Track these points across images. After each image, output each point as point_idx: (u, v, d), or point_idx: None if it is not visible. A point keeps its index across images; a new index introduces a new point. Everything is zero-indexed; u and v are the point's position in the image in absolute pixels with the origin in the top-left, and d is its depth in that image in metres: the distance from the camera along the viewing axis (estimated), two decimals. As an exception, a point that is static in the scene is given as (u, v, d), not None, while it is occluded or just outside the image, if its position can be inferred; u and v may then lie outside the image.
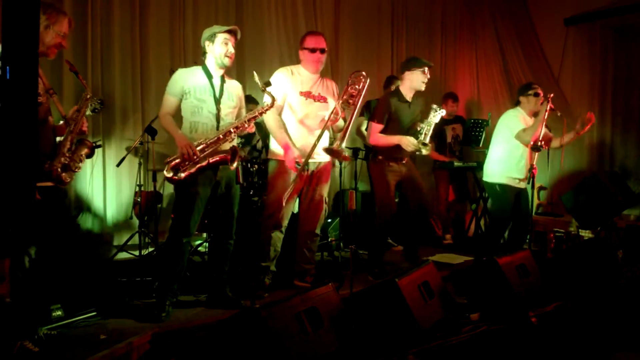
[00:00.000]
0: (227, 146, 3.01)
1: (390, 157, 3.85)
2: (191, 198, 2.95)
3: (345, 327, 2.40)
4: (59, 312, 2.74)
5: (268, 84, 3.04)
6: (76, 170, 2.50)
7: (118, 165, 4.19)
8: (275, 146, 3.41)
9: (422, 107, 3.96)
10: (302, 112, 3.39)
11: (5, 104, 1.35)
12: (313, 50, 3.39)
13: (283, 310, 2.16)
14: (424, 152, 3.72)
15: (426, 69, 3.77)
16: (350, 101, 3.35)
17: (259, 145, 4.53)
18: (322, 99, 3.46)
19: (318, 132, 3.36)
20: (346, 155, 3.39)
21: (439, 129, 5.03)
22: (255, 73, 3.02)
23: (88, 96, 2.61)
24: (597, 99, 6.47)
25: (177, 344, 2.64)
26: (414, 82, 3.79)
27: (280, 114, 3.38)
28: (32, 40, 1.39)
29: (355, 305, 2.70)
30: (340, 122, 3.43)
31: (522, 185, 4.20)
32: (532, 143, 3.97)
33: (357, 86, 3.36)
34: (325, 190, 3.57)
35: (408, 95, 3.86)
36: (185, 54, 4.84)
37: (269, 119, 3.33)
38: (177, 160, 2.92)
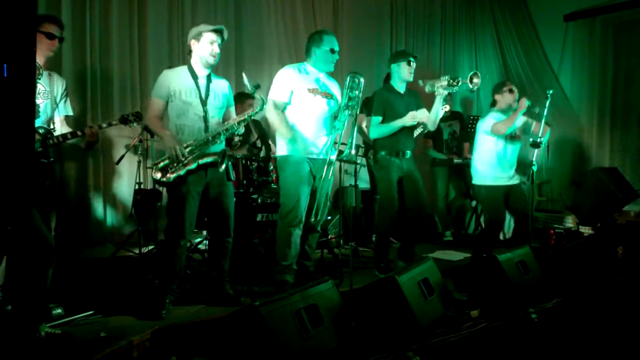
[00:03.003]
0: (216, 148, 3.00)
1: (392, 152, 3.89)
2: (183, 199, 2.93)
3: (345, 324, 2.40)
4: (59, 310, 2.74)
5: (258, 86, 3.00)
6: None
7: (117, 163, 4.19)
8: (281, 141, 3.40)
9: (419, 100, 3.97)
10: (310, 109, 3.41)
11: (4, 103, 1.35)
12: (333, 51, 3.44)
13: (282, 308, 2.16)
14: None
15: (411, 59, 3.88)
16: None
17: (258, 142, 4.52)
18: (329, 95, 3.49)
19: (326, 128, 3.43)
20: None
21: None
22: (244, 74, 3.00)
23: None
24: (597, 95, 6.48)
25: (178, 341, 2.64)
26: (401, 73, 3.90)
27: (283, 111, 3.40)
28: (29, 38, 1.38)
29: (355, 302, 2.69)
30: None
31: (514, 181, 4.19)
32: (531, 141, 3.96)
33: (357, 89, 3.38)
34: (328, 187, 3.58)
35: (400, 87, 3.95)
36: (183, 53, 4.82)
37: (271, 116, 3.34)
38: (166, 162, 2.91)
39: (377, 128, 3.89)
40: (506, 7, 7.02)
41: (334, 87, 3.59)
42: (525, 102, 3.96)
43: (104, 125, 2.95)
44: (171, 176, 2.88)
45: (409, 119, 3.81)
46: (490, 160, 4.16)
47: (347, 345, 2.35)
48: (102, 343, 2.43)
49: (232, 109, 3.24)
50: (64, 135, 2.82)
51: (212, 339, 2.12)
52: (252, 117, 3.12)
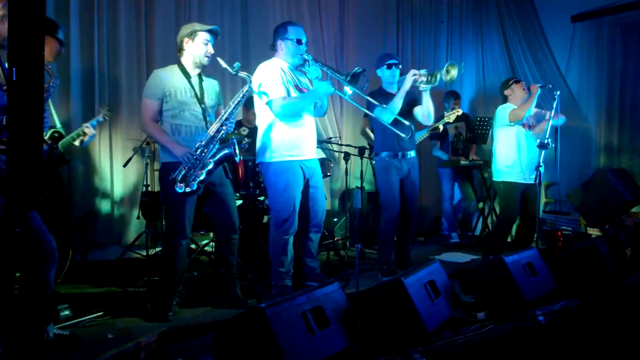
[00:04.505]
0: (223, 141, 2.96)
1: (393, 152, 3.87)
2: (183, 199, 2.91)
3: (351, 326, 2.40)
4: (67, 312, 2.76)
5: (239, 66, 2.91)
6: None
7: (125, 165, 4.21)
8: (273, 145, 3.21)
9: (415, 98, 3.96)
10: None
11: (12, 107, 1.36)
12: (300, 42, 3.24)
13: (288, 310, 2.16)
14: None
15: (391, 62, 3.90)
16: None
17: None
18: (305, 90, 3.34)
19: (311, 125, 3.35)
20: None
21: (442, 127, 5.03)
22: (219, 59, 2.92)
23: None
24: (605, 95, 6.42)
25: (184, 343, 2.65)
26: (384, 77, 3.95)
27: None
28: (38, 41, 1.40)
29: (361, 304, 2.69)
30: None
31: (531, 180, 4.18)
32: (539, 142, 3.95)
33: None
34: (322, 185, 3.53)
35: (390, 89, 3.95)
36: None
37: (287, 109, 3.13)
38: (183, 172, 2.88)
39: (384, 111, 3.66)
40: (513, 7, 7.00)
41: (305, 79, 3.41)
42: (537, 86, 4.07)
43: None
44: (194, 183, 2.86)
45: (409, 78, 3.67)
46: (512, 156, 4.20)
47: (353, 347, 2.34)
48: (109, 344, 2.44)
49: (222, 107, 3.18)
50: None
51: (218, 340, 2.13)
52: (245, 97, 3.03)
